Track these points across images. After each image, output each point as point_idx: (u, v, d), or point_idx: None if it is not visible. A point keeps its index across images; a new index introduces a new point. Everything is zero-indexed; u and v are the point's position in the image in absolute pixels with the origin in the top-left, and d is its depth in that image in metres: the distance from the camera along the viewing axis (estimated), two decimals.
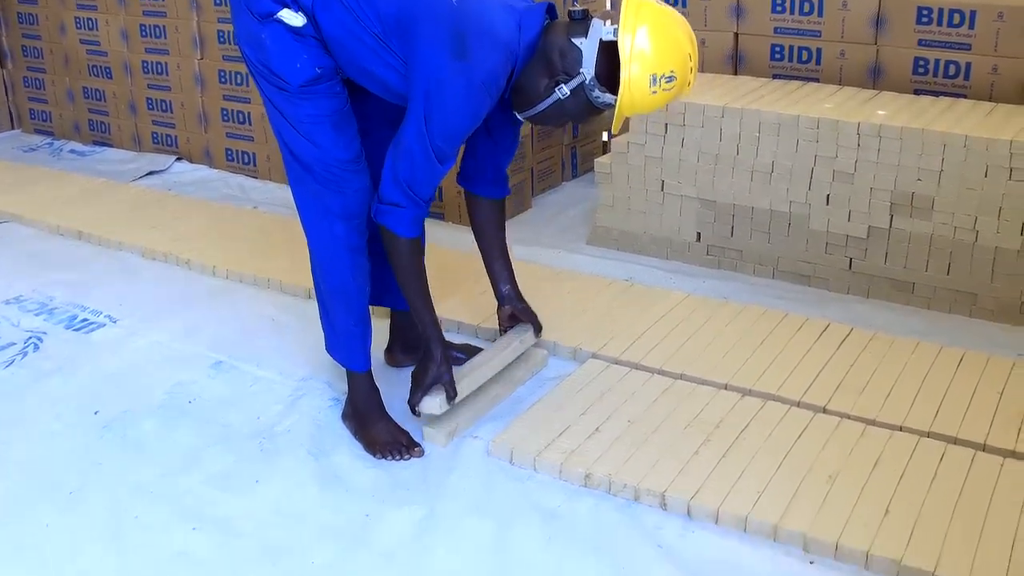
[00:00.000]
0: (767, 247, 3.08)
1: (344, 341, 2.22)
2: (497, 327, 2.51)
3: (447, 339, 2.51)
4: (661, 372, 2.51)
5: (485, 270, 2.39)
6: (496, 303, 2.45)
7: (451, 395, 2.16)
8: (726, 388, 2.43)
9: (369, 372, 2.25)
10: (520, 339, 2.44)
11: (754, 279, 3.09)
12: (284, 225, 3.46)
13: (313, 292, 2.90)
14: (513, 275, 2.42)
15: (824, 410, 2.33)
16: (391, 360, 2.56)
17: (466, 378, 2.28)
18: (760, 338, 2.65)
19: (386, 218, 2.06)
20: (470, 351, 2.56)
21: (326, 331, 2.22)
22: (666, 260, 3.25)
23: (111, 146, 4.37)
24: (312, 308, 2.89)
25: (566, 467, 2.13)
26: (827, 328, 2.69)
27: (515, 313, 2.45)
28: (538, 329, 2.48)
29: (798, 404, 2.36)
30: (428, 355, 2.17)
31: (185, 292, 3.01)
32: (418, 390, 2.18)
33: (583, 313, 2.78)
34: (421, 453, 2.20)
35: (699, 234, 3.19)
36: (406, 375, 2.52)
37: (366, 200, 2.11)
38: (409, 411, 2.31)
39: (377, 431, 2.23)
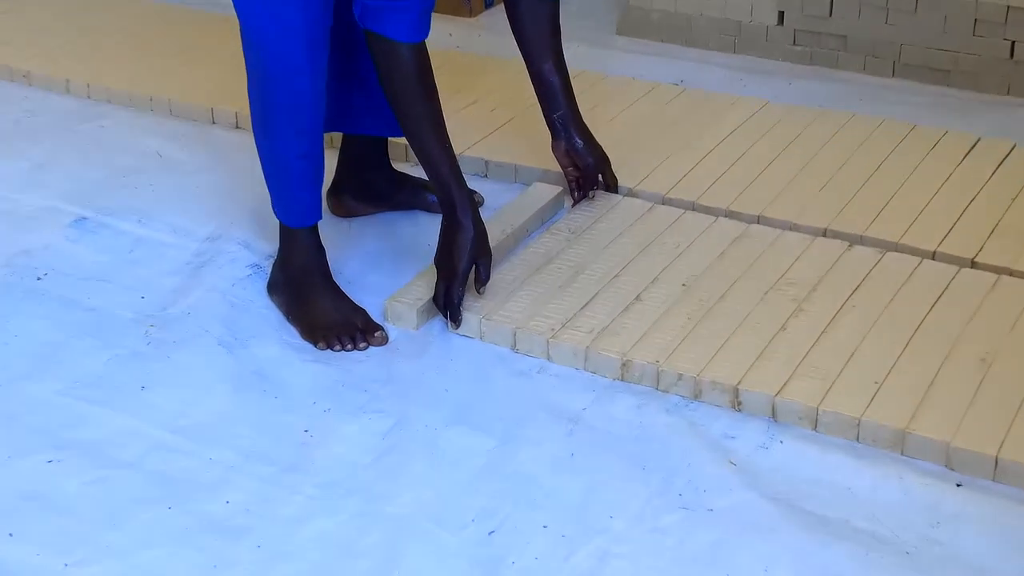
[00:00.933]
0: (884, 30, 3.03)
1: (283, 181, 2.23)
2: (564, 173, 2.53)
3: (424, 180, 2.48)
4: (729, 214, 2.49)
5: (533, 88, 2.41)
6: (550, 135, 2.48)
7: (484, 278, 2.19)
8: (825, 235, 2.41)
9: (315, 228, 2.27)
10: (529, 215, 2.46)
11: (865, 78, 3.07)
12: (171, 18, 3.40)
13: (216, 115, 2.95)
14: (570, 92, 2.42)
15: (973, 263, 2.31)
16: (339, 207, 2.56)
17: (510, 270, 2.29)
18: (876, 161, 2.63)
19: (378, 21, 2.05)
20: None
21: (264, 169, 2.25)
22: (733, 54, 3.22)
23: None
24: (217, 137, 2.89)
25: (594, 353, 2.11)
26: (976, 145, 2.66)
27: (570, 153, 2.46)
28: (593, 179, 2.48)
29: (933, 256, 2.34)
30: (454, 225, 2.16)
31: (25, 120, 2.96)
32: (454, 280, 2.16)
33: (615, 131, 2.76)
34: (384, 340, 2.20)
35: (781, 14, 3.14)
36: (360, 229, 2.52)
37: None
38: (356, 279, 2.30)
39: (321, 309, 2.23)
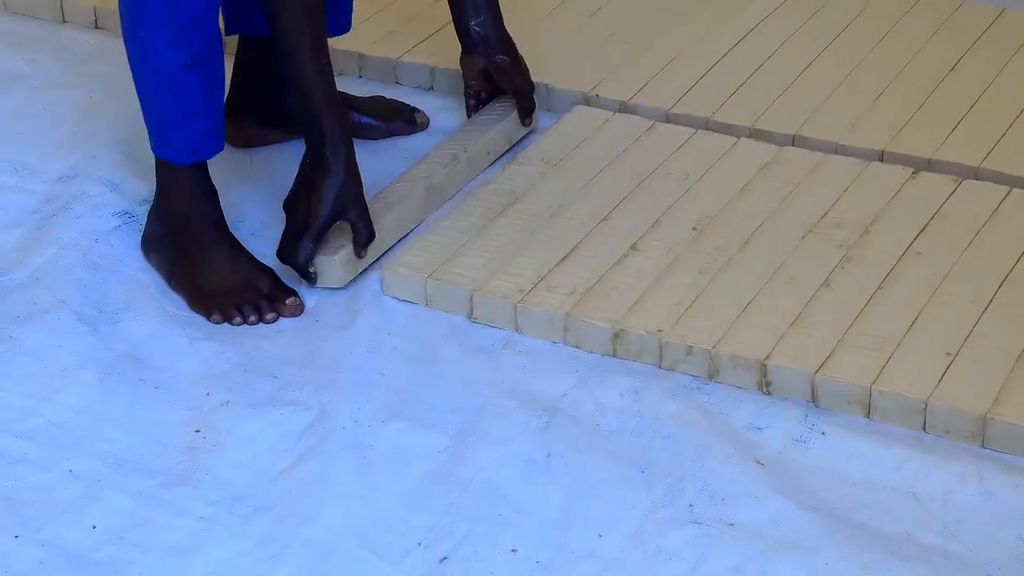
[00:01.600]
0: None
1: (163, 102, 2.23)
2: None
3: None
4: (754, 134, 2.50)
5: None
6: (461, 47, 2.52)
7: (364, 238, 2.22)
8: (882, 159, 2.42)
9: (203, 164, 2.28)
10: (491, 133, 2.51)
11: None
12: None
13: (67, 11, 2.93)
14: None
15: None
16: (237, 135, 2.57)
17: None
18: (950, 60, 2.65)
19: None
20: (385, 112, 2.58)
21: (138, 86, 2.25)
22: None
23: None
24: (71, 41, 2.87)
25: (577, 321, 2.12)
26: None
27: (489, 70, 2.50)
28: (526, 108, 2.54)
29: None
30: (318, 166, 2.19)
31: None
32: (305, 230, 2.19)
33: (600, 27, 2.77)
34: (299, 309, 2.22)
35: None
36: (264, 163, 2.54)
37: None
38: (260, 230, 2.33)
39: (213, 270, 2.25)
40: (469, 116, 2.57)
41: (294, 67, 2.15)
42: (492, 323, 2.16)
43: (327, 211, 2.18)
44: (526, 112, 2.54)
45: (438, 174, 2.40)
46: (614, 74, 2.62)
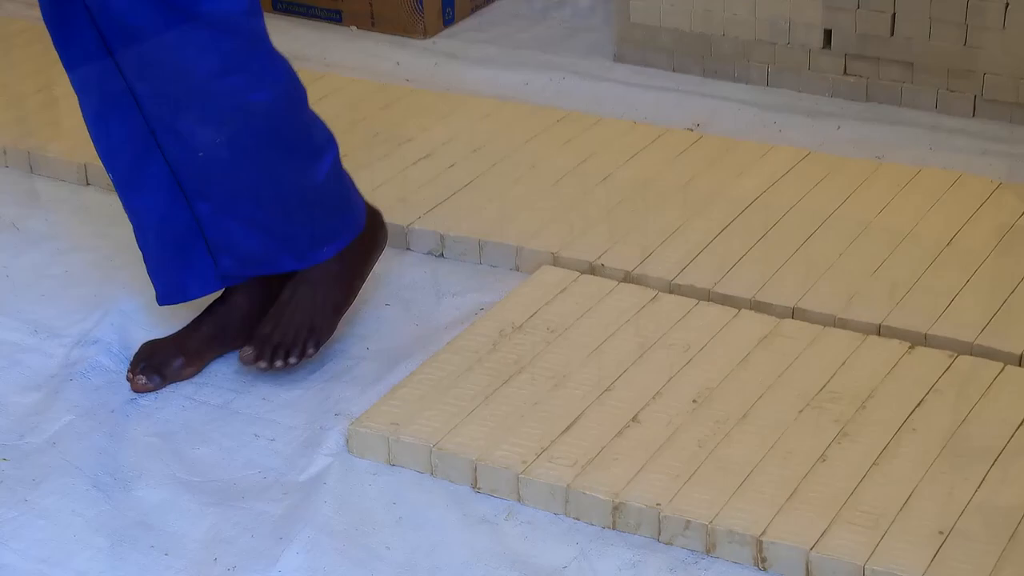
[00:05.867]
0: (963, 53, 3.04)
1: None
2: None
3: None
4: (755, 305, 2.54)
5: None
6: None
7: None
8: (879, 333, 2.46)
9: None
10: None
11: (938, 118, 3.08)
12: (31, 38, 3.40)
13: (91, 174, 3.00)
14: None
15: None
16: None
17: (471, 381, 2.37)
18: (948, 232, 2.68)
19: None
20: (235, 331, 2.58)
21: None
22: (766, 87, 3.27)
23: None
24: (92, 202, 2.94)
25: (577, 492, 2.15)
26: None
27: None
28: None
29: (1020, 361, 2.38)
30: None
31: None
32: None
33: (608, 194, 2.81)
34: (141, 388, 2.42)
35: (828, 33, 3.17)
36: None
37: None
38: (273, 395, 2.40)
39: None
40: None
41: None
42: (495, 493, 2.19)
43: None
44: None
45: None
46: (618, 242, 2.66)
